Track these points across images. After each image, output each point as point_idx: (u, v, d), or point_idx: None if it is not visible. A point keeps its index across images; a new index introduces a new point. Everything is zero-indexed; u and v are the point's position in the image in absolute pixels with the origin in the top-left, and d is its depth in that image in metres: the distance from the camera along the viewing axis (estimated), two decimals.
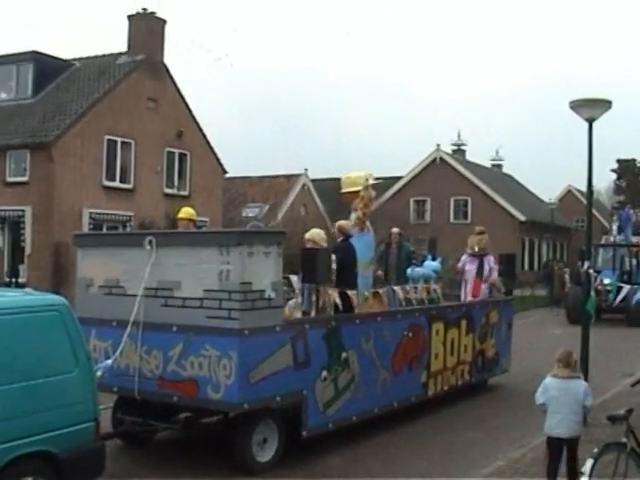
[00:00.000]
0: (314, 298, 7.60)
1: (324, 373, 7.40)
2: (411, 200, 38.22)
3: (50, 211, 21.12)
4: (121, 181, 23.47)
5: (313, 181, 36.29)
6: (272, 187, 35.21)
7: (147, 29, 24.27)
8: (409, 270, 10.55)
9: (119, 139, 23.23)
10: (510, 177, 46.53)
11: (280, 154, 64.94)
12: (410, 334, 8.70)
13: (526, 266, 38.23)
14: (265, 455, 6.88)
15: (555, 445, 5.70)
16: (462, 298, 11.26)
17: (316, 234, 8.24)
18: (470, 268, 11.14)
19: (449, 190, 37.35)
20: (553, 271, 29.03)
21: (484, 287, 10.90)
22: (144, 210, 23.20)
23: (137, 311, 6.91)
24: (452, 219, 37.67)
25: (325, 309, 7.69)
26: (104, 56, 25.32)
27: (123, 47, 24.87)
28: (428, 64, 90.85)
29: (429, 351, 9.11)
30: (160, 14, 24.86)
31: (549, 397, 5.72)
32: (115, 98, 23.22)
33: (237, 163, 56.38)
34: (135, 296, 6.97)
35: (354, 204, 8.57)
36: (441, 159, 38.84)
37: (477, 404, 9.81)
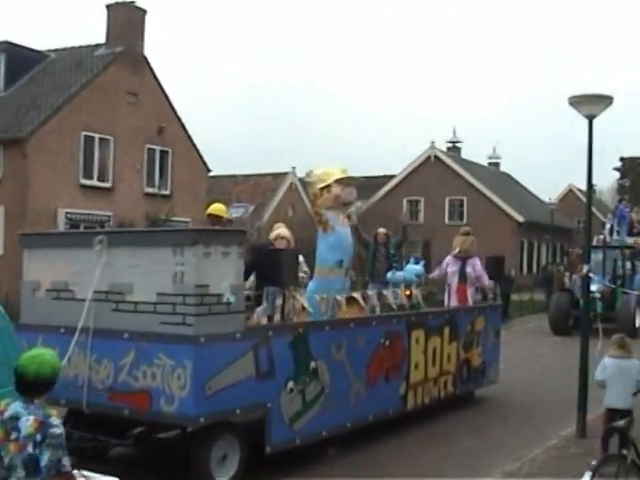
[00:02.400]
0: (279, 303, 7.35)
1: (290, 384, 7.15)
2: (404, 200, 38.00)
3: (23, 210, 20.84)
4: (99, 179, 23.18)
5: (302, 180, 36.02)
6: (258, 186, 35.02)
7: (126, 19, 23.99)
8: (389, 274, 10.34)
9: (97, 135, 22.94)
10: (508, 176, 46.43)
11: (267, 151, 64.82)
12: (387, 342, 8.46)
13: (525, 269, 38.07)
14: (225, 473, 6.61)
15: (612, 416, 6.53)
16: (445, 303, 11.06)
17: (286, 232, 8.07)
18: (452, 270, 10.86)
19: (444, 190, 37.19)
20: (552, 274, 28.79)
21: (470, 292, 10.65)
22: (123, 210, 22.89)
23: (86, 317, 6.67)
24: (447, 220, 37.54)
25: (291, 314, 7.54)
26: (81, 47, 25.02)
27: (101, 38, 24.62)
28: (422, 58, 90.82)
29: (408, 361, 8.86)
30: (140, 3, 24.64)
31: (607, 374, 6.73)
32: (93, 92, 22.92)
33: (222, 161, 56.33)
34: (84, 300, 6.67)
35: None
36: (436, 157, 38.71)
37: (468, 415, 9.63)
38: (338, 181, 8.74)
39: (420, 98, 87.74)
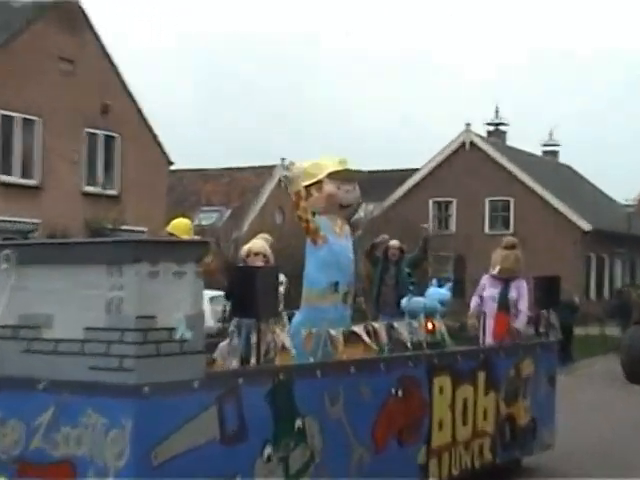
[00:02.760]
0: (254, 339, 7.42)
1: (268, 450, 7.10)
2: (430, 202, 38.20)
3: None
4: (23, 175, 23.30)
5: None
6: (236, 184, 35.16)
7: None
8: (404, 301, 10.38)
9: (18, 115, 23.16)
10: (569, 169, 46.62)
11: (247, 139, 64.94)
12: (400, 392, 8.45)
13: (592, 293, 38.09)
14: None
15: None
16: (481, 340, 11.11)
17: (262, 246, 8.29)
18: (490, 295, 10.96)
19: (483, 188, 37.40)
20: (630, 301, 28.72)
21: (516, 324, 10.82)
22: (55, 216, 22.90)
23: None
24: (487, 229, 37.82)
25: (270, 354, 7.66)
26: None
27: None
28: (454, 25, 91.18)
29: (430, 418, 8.85)
30: None
31: None
32: (11, 57, 23.03)
33: (187, 151, 56.34)
34: None
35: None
36: (472, 144, 38.90)
37: None
38: (332, 175, 8.74)
39: (451, 66, 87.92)
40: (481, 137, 40.54)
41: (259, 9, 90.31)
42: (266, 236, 9.05)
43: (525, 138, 62.21)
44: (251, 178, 35.92)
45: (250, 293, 7.17)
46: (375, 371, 8.29)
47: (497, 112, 43.63)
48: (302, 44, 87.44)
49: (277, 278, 7.59)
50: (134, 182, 25.36)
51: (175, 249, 6.74)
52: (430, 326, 9.62)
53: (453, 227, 38.26)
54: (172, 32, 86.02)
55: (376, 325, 8.91)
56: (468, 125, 40.19)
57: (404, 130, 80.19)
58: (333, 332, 8.21)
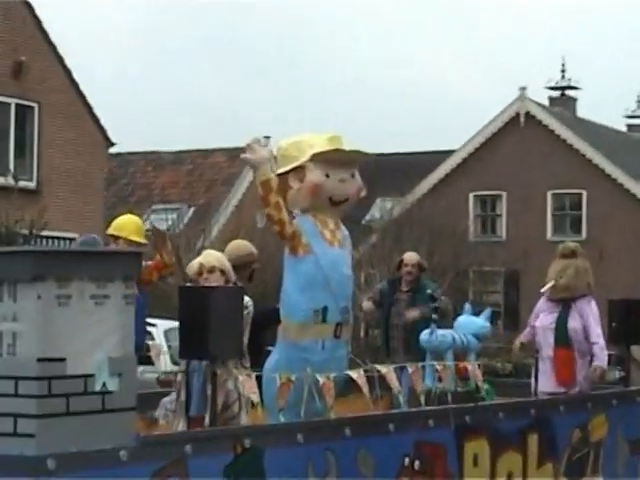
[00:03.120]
0: (208, 390, 7.23)
1: None
2: (470, 196, 37.59)
3: None
4: None
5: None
6: (201, 172, 34.93)
7: None
8: (425, 334, 10.13)
9: None
10: None
11: (218, 111, 63.53)
12: (417, 464, 8.25)
13: None
14: None
15: None
16: (533, 387, 10.91)
17: (217, 259, 8.25)
18: (544, 325, 10.78)
19: (544, 177, 36.74)
20: None
21: (581, 364, 10.63)
22: None
23: None
24: (550, 234, 37.23)
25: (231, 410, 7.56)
26: None
27: None
28: None
29: None
30: None
31: None
32: None
33: (133, 128, 55.85)
34: None
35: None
36: (529, 116, 38.16)
37: None
38: (319, 158, 8.50)
39: (497, 10, 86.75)
40: (542, 106, 39.85)
41: None
42: (239, 245, 8.79)
43: (602, 107, 61.58)
44: (222, 164, 35.61)
45: (201, 324, 6.97)
46: (381, 434, 8.03)
47: (563, 72, 43.11)
48: None
49: (240, 302, 7.39)
50: (59, 170, 24.94)
51: (95, 262, 6.51)
52: (462, 368, 9.41)
53: (502, 232, 37.73)
54: None
55: (383, 369, 8.50)
56: (523, 90, 39.46)
57: (435, 100, 79.03)
58: (321, 379, 7.90)
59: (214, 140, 33.71)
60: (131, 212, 11.51)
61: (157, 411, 7.82)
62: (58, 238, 21.95)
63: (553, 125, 38.52)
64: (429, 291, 11.57)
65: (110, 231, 9.26)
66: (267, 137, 8.35)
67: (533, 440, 9.44)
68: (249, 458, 7.04)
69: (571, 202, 38.66)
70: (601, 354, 10.84)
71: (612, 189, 37.48)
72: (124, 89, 64.49)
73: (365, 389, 8.31)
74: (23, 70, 24.73)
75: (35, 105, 25.11)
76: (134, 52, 78.29)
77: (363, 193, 9.18)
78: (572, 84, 42.77)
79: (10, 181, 23.96)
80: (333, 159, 8.59)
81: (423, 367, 9.12)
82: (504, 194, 37.96)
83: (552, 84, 42.55)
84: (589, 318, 10.74)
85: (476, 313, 10.67)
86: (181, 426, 7.46)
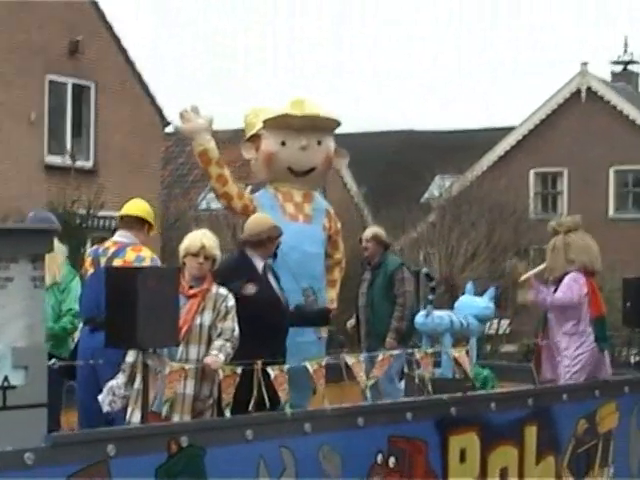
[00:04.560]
0: (137, 381, 5.17)
1: None
2: (531, 173, 31.34)
3: None
4: None
5: (340, 137, 30.92)
6: None
7: None
8: (420, 316, 7.30)
9: None
10: None
11: (276, 89, 54.28)
12: (391, 460, 5.76)
13: None
14: None
15: None
16: (536, 374, 7.93)
17: (202, 242, 5.57)
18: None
19: (607, 153, 29.70)
20: None
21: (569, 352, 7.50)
22: (7, 196, 17.82)
23: None
24: (612, 211, 30.91)
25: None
26: None
27: None
28: None
29: None
30: None
31: None
32: None
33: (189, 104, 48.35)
34: None
35: None
36: (590, 90, 30.76)
37: None
38: (272, 124, 6.30)
39: None
40: (604, 82, 31.81)
41: None
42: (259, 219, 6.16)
43: None
44: None
45: (127, 306, 4.76)
46: (348, 428, 5.65)
47: (626, 46, 33.47)
48: None
49: (175, 284, 5.05)
50: (116, 150, 20.24)
51: None
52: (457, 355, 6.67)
53: (564, 208, 30.60)
54: None
55: (351, 360, 5.87)
56: (585, 65, 31.22)
57: (492, 75, 68.62)
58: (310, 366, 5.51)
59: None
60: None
61: (101, 395, 5.31)
62: (113, 218, 15.64)
63: (615, 100, 30.90)
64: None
65: (121, 213, 6.58)
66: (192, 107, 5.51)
67: (531, 432, 6.87)
68: (186, 458, 4.89)
69: (634, 179, 31.15)
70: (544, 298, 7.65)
71: None
72: (181, 70, 57.10)
73: (361, 376, 5.86)
74: (79, 50, 20.10)
75: (92, 84, 20.48)
76: (190, 34, 69.82)
77: (340, 163, 7.07)
78: (635, 59, 33.81)
79: (67, 161, 18.50)
80: (290, 125, 6.44)
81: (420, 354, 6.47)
82: (565, 171, 31.09)
83: (614, 59, 33.73)
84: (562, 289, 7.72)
85: (480, 293, 7.88)
86: (136, 417, 5.23)
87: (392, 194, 26.12)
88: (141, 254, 6.24)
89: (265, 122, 6.44)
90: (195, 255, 5.45)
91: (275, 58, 77.50)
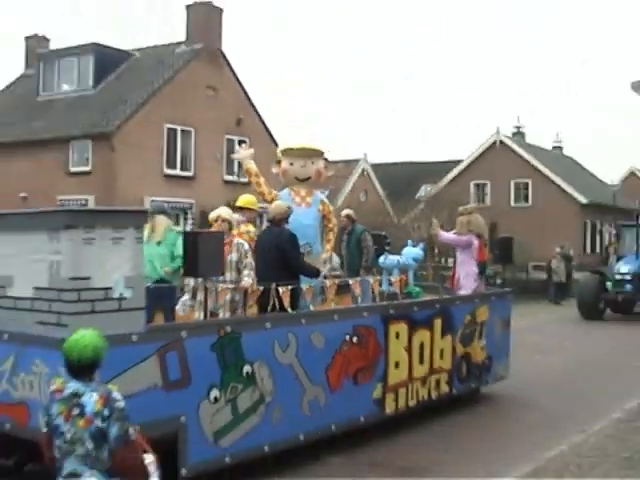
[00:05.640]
0: (200, 297, 6.00)
1: (214, 393, 5.55)
2: (471, 184, 34.73)
3: (112, 200, 20.54)
4: (181, 169, 22.74)
5: (374, 166, 33.37)
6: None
7: (205, 18, 23.85)
8: (381, 258, 8.59)
9: (179, 127, 22.51)
10: (571, 159, 42.65)
11: (338, 138, 56.66)
12: (354, 339, 6.70)
13: (588, 249, 34.23)
14: None
15: None
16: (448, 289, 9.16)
17: (228, 213, 6.59)
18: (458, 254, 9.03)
19: (509, 173, 34.34)
20: (610, 255, 25.37)
21: (467, 278, 8.62)
22: (204, 198, 21.82)
23: None
24: (512, 203, 34.26)
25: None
26: (163, 46, 24.94)
27: (182, 36, 24.52)
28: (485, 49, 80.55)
29: (385, 359, 7.13)
30: (217, 2, 24.40)
31: None
32: (174, 87, 22.64)
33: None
34: None
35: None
36: (501, 142, 35.33)
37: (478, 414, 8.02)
38: (286, 153, 7.42)
39: (481, 89, 78.20)
40: (508, 137, 36.50)
41: None
42: (279, 204, 7.01)
43: (539, 138, 55.18)
44: (342, 168, 32.89)
45: (194, 254, 5.62)
46: (328, 321, 6.54)
47: (518, 119, 40.43)
48: None
49: (221, 243, 5.85)
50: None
51: (112, 218, 5.17)
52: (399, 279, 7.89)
53: (489, 202, 34.12)
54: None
55: (352, 281, 7.17)
56: (498, 128, 36.36)
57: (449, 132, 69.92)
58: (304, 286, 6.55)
59: (337, 155, 30.34)
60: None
61: (177, 306, 6.12)
62: (262, 207, 18.74)
63: (514, 147, 33.64)
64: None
65: (238, 204, 7.43)
66: (244, 142, 6.60)
67: (438, 322, 7.87)
68: (230, 339, 5.64)
69: (523, 186, 33.69)
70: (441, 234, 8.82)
71: (543, 179, 33.75)
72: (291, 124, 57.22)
73: (357, 291, 7.07)
74: (240, 122, 23.42)
75: (247, 139, 21.91)
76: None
77: (327, 174, 7.73)
78: (523, 126, 38.41)
79: (235, 178, 22.41)
80: (294, 153, 7.53)
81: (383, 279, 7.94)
82: (489, 182, 33.54)
83: (513, 126, 37.80)
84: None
85: (415, 245, 8.84)
86: (198, 315, 6.11)
87: (401, 194, 31.18)
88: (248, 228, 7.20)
89: (283, 152, 7.49)
90: (215, 221, 6.53)
91: None
